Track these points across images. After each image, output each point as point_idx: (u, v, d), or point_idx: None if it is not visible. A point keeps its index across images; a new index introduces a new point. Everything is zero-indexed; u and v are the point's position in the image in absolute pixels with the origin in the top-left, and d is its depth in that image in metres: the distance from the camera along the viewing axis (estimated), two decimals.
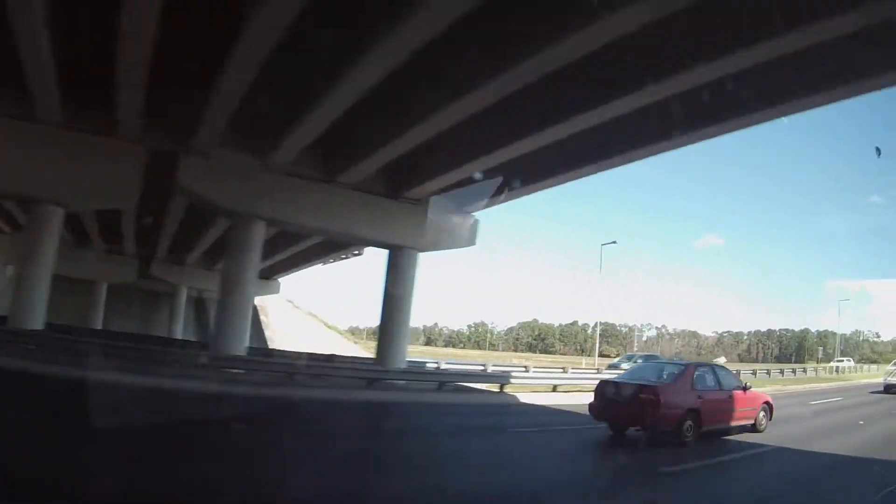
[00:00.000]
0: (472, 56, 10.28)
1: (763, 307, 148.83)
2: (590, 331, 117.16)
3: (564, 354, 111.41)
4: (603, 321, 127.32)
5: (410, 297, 19.37)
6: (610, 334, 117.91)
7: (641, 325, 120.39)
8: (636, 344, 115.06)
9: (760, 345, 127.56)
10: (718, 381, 10.39)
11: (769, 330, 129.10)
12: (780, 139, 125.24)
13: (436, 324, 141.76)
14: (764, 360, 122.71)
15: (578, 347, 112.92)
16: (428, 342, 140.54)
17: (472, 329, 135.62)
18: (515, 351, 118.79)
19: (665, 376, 10.31)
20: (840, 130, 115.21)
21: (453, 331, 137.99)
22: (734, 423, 10.40)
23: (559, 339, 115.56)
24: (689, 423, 9.17)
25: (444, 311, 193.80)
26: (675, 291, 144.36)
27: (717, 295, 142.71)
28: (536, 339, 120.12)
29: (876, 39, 8.13)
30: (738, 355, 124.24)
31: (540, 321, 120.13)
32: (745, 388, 10.81)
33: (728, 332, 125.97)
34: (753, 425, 10.74)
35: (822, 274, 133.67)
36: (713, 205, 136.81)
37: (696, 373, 10.23)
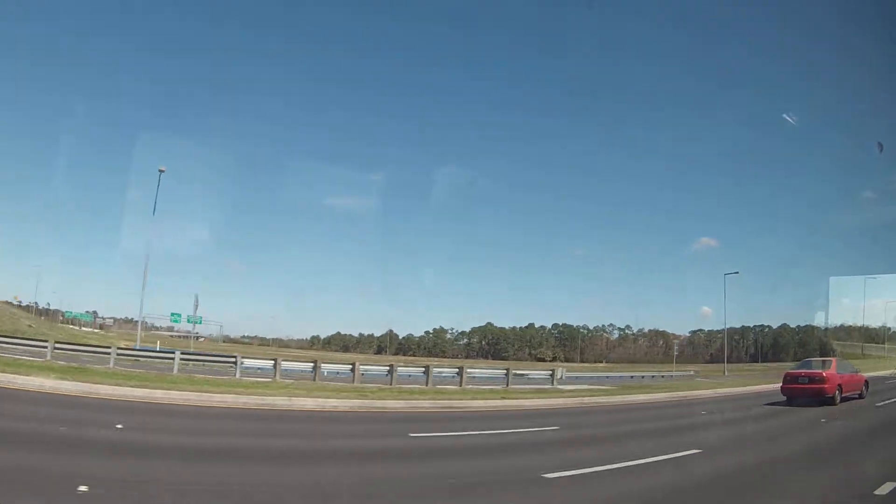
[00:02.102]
0: None
1: (741, 304, 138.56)
2: (543, 333, 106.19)
3: (542, 360, 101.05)
4: (562, 322, 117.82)
5: None
6: (567, 336, 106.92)
7: (604, 326, 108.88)
8: (605, 345, 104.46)
9: (734, 343, 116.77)
10: (846, 369, 18.77)
11: (743, 327, 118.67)
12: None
13: (390, 330, 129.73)
14: (737, 360, 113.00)
15: (530, 352, 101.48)
16: (379, 350, 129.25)
17: (431, 335, 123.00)
18: (467, 357, 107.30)
19: (823, 366, 18.12)
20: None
21: (413, 337, 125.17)
22: (853, 392, 18.21)
23: (510, 344, 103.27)
24: (836, 392, 17.00)
25: (403, 318, 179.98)
26: (644, 291, 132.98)
27: (687, 293, 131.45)
28: (489, 344, 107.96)
29: None
30: (711, 355, 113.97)
31: (495, 325, 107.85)
32: (857, 372, 19.29)
33: (700, 330, 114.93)
34: (860, 394, 18.68)
35: (822, 270, 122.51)
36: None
37: (838, 364, 18.47)
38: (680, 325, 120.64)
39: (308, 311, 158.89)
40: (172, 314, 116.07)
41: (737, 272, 44.50)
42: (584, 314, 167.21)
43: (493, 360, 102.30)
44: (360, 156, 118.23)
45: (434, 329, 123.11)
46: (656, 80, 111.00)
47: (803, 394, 17.29)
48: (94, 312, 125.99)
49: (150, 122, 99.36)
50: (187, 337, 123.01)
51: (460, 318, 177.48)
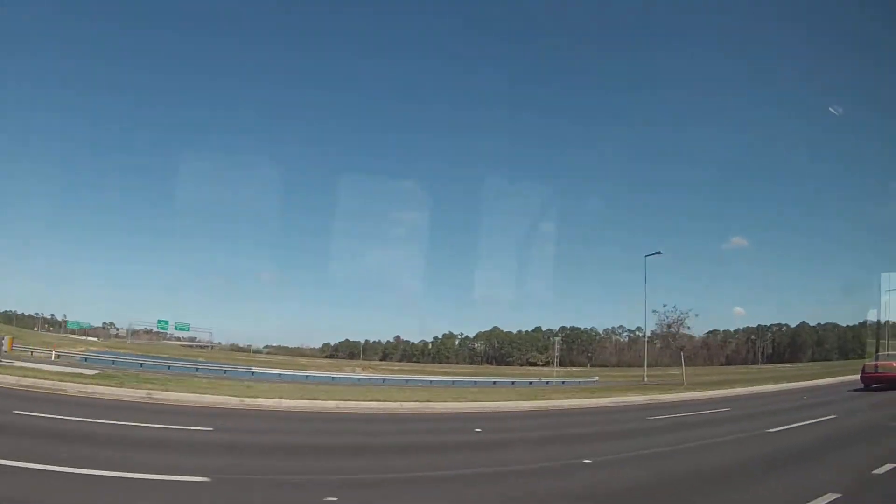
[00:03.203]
0: None
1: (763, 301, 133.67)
2: (550, 337, 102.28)
3: (524, 365, 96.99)
4: (570, 325, 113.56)
5: None
6: (574, 340, 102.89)
7: (614, 328, 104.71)
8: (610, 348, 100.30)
9: (750, 344, 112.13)
10: None
11: (760, 326, 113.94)
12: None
13: (398, 337, 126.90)
14: (752, 362, 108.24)
15: (537, 356, 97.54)
16: (384, 357, 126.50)
17: (438, 341, 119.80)
18: (471, 363, 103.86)
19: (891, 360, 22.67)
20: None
21: (416, 344, 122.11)
22: None
23: (517, 349, 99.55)
24: None
25: (404, 325, 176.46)
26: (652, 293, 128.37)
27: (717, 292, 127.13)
28: (495, 349, 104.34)
29: None
30: (727, 357, 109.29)
31: (502, 329, 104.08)
32: None
33: (715, 330, 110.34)
34: None
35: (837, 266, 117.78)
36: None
37: None
38: (709, 325, 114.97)
39: (319, 319, 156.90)
40: (159, 321, 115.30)
41: (658, 252, 40.74)
42: (597, 317, 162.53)
43: (499, 364, 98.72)
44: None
45: (444, 335, 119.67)
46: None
47: (879, 381, 22.13)
48: (111, 323, 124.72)
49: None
50: (203, 346, 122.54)
51: (471, 323, 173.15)
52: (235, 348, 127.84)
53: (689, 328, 29.40)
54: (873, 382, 22.30)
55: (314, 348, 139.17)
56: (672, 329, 29.33)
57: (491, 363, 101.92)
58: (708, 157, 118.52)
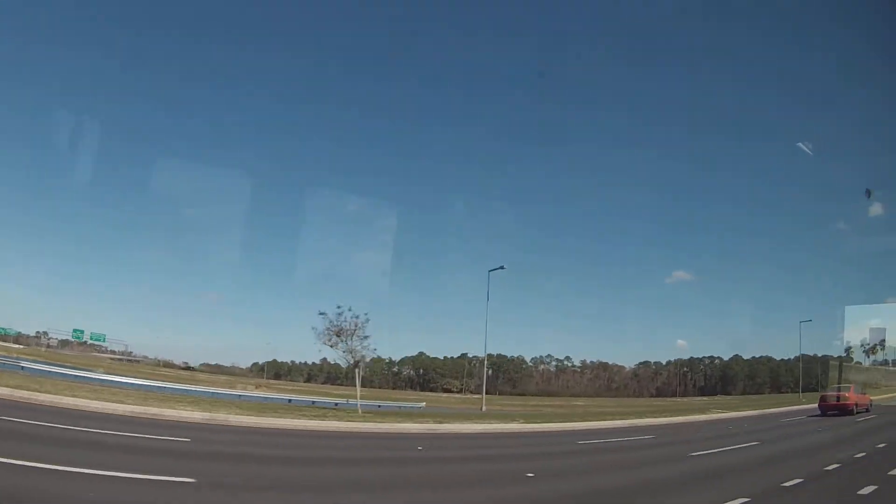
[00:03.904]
0: None
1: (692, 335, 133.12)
2: (475, 364, 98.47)
3: (449, 391, 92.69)
4: (497, 353, 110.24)
5: None
6: (500, 367, 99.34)
7: (542, 357, 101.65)
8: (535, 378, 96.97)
9: (681, 376, 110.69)
10: (859, 391, 27.18)
11: (692, 359, 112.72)
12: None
13: (324, 359, 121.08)
14: (682, 394, 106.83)
15: (452, 382, 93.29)
16: (309, 379, 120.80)
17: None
18: (394, 388, 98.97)
19: (846, 387, 27.11)
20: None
21: (339, 366, 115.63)
22: (864, 408, 26.17)
23: (440, 375, 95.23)
24: (855, 407, 24.82)
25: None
26: (588, 323, 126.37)
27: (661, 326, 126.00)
28: (419, 374, 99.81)
29: None
30: (657, 388, 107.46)
31: (428, 354, 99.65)
32: (865, 394, 28.02)
33: (645, 362, 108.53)
34: (867, 409, 26.60)
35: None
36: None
37: (855, 388, 26.93)
38: (647, 356, 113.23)
39: (257, 339, 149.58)
40: (75, 331, 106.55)
41: (502, 267, 37.22)
42: (531, 345, 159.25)
43: (422, 390, 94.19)
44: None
45: (371, 359, 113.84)
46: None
47: (830, 408, 25.80)
48: (45, 332, 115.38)
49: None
50: (132, 361, 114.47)
51: (399, 348, 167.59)
52: (167, 364, 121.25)
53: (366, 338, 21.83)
54: (830, 410, 26.12)
55: (243, 367, 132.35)
56: (343, 338, 19.71)
57: (415, 388, 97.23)
58: (657, 186, 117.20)
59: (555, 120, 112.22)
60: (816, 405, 26.95)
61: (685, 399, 79.36)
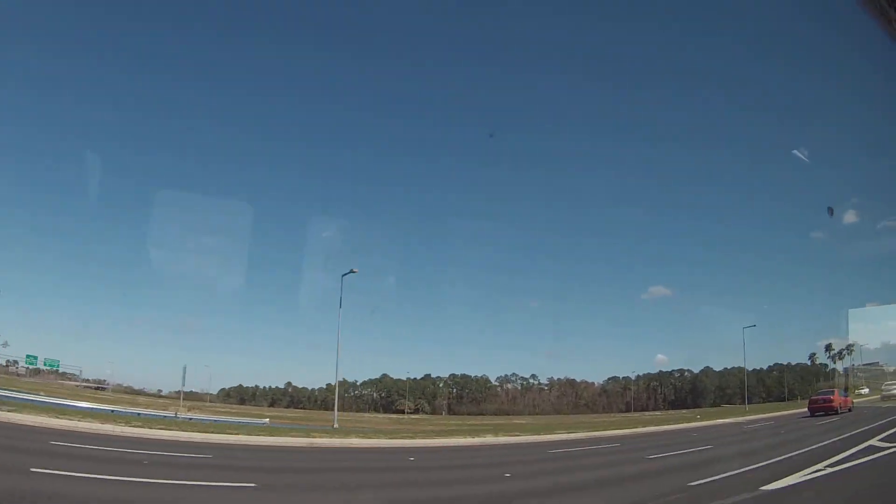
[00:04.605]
0: None
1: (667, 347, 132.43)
2: (441, 384, 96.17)
3: (401, 411, 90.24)
4: (461, 373, 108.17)
5: None
6: (464, 387, 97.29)
7: (507, 375, 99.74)
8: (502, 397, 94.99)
9: (650, 391, 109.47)
10: (842, 393, 32.64)
11: (661, 373, 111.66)
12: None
13: (289, 383, 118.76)
14: (653, 409, 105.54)
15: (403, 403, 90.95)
16: (272, 403, 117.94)
17: (325, 388, 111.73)
18: (357, 411, 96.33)
19: (830, 391, 33.05)
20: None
21: (301, 389, 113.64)
22: (846, 409, 29.82)
23: (402, 396, 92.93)
24: (839, 408, 29.15)
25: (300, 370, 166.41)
26: (560, 341, 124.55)
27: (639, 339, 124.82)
28: (382, 396, 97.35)
29: None
30: (626, 403, 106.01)
31: (391, 376, 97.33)
32: (847, 396, 32.95)
33: (614, 377, 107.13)
34: (850, 409, 30.13)
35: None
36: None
37: (839, 391, 32.77)
38: (626, 372, 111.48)
39: (228, 365, 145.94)
40: (28, 356, 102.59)
41: (353, 271, 36.62)
42: (501, 364, 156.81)
43: (385, 411, 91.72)
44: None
45: (337, 382, 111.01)
46: None
47: (818, 409, 29.71)
48: (14, 361, 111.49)
49: None
50: (101, 387, 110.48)
51: (364, 370, 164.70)
52: (129, 390, 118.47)
53: None
54: (817, 411, 29.70)
55: (212, 393, 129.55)
56: None
57: (378, 410, 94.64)
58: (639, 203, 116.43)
59: (528, 141, 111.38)
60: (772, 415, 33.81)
61: (646, 414, 77.95)
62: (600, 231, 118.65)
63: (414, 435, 24.39)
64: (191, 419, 32.71)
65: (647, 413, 78.72)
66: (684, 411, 75.33)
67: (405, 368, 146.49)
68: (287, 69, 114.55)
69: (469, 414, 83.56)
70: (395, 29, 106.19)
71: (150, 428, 17.90)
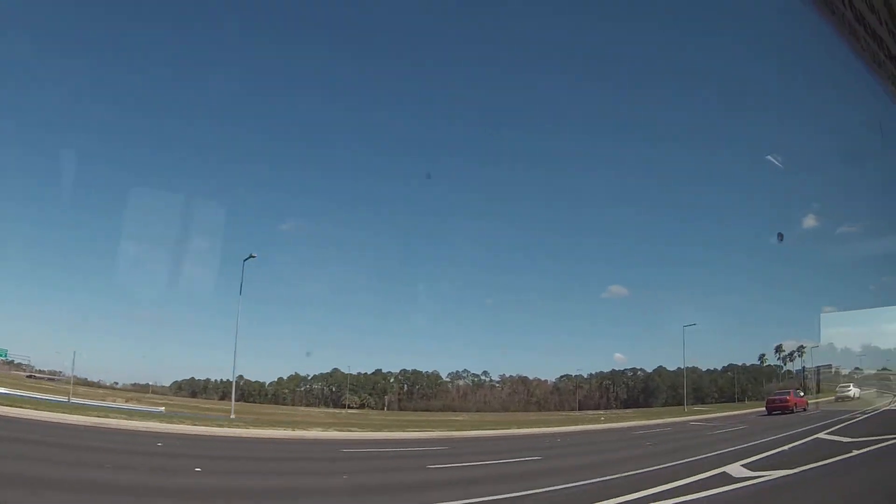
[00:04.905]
0: None
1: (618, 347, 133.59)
2: (392, 380, 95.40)
3: (349, 407, 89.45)
4: (410, 368, 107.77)
5: None
6: (415, 383, 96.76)
7: (458, 372, 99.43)
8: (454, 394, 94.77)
9: (603, 389, 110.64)
10: (798, 394, 35.71)
11: (613, 371, 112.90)
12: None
13: (240, 376, 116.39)
14: (605, 407, 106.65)
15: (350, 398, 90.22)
16: (223, 397, 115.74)
17: (275, 382, 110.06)
18: (307, 405, 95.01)
19: (786, 392, 36.20)
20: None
21: (253, 383, 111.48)
22: (802, 408, 32.00)
23: (353, 391, 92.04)
24: (795, 407, 31.32)
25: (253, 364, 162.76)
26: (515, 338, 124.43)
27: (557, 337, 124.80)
28: (333, 391, 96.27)
29: None
30: (579, 402, 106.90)
31: (342, 371, 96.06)
32: (804, 396, 35.96)
33: (566, 375, 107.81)
34: (805, 409, 32.20)
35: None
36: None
37: (794, 391, 36.86)
38: (584, 370, 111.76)
39: (166, 355, 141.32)
40: None
41: (252, 256, 37.41)
42: (455, 360, 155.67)
43: (335, 406, 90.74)
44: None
45: (289, 376, 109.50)
46: None
47: (775, 408, 31.74)
48: None
49: None
50: (52, 379, 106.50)
51: (320, 364, 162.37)
52: (84, 382, 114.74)
53: None
54: (774, 409, 31.53)
55: (164, 385, 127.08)
56: None
57: (329, 405, 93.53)
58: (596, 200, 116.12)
59: (500, 137, 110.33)
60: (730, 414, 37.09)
61: (586, 412, 78.55)
62: (564, 229, 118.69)
63: (308, 427, 24.41)
64: (84, 404, 32.29)
65: (562, 413, 79.49)
66: (629, 410, 76.65)
67: (362, 362, 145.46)
68: (282, 66, 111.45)
69: (416, 410, 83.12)
70: (392, 28, 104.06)
71: (36, 409, 19.17)
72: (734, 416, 35.96)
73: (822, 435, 16.21)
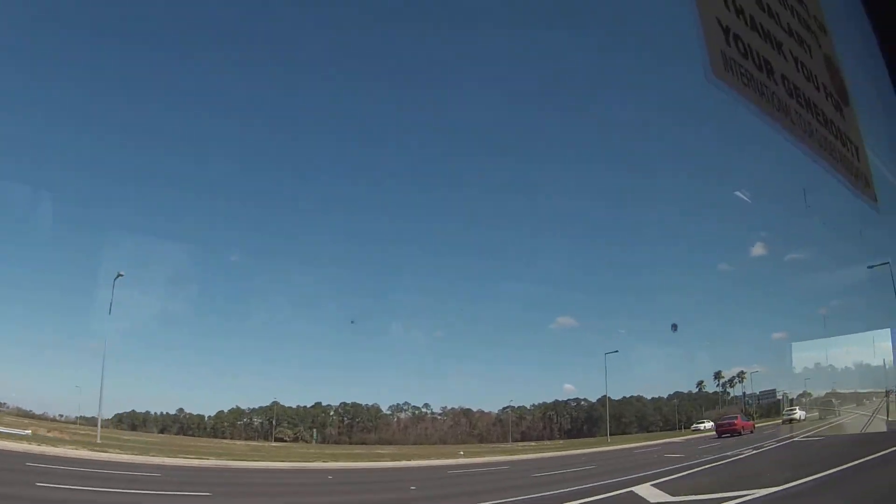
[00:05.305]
0: None
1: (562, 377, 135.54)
2: (332, 413, 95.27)
3: (282, 440, 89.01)
4: (352, 401, 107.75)
5: None
6: (356, 416, 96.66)
7: (399, 404, 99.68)
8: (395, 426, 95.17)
9: (546, 420, 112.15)
10: (746, 417, 42.99)
11: (556, 402, 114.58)
12: None
13: (181, 409, 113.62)
14: (551, 437, 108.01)
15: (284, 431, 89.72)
16: (163, 430, 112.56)
17: (214, 416, 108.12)
18: (247, 439, 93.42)
19: (734, 416, 39.33)
20: None
21: (193, 416, 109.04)
22: (748, 431, 34.51)
23: (293, 424, 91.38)
24: (741, 431, 33.84)
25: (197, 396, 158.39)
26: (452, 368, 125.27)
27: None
28: (272, 424, 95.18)
29: None
30: (522, 433, 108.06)
31: (281, 404, 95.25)
32: (751, 421, 41.07)
33: (510, 406, 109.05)
34: (752, 431, 35.06)
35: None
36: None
37: (741, 416, 40.40)
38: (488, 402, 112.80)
39: (109, 388, 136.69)
40: None
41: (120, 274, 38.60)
42: (395, 392, 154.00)
43: (266, 440, 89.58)
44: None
45: (230, 409, 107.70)
46: None
47: (724, 431, 34.16)
48: None
49: None
50: None
51: (262, 397, 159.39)
52: (27, 414, 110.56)
53: None
54: (724, 433, 33.74)
55: (106, 418, 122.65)
56: None
57: (268, 438, 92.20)
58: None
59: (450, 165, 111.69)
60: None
61: (525, 444, 79.82)
62: (514, 257, 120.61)
63: (188, 456, 25.16)
64: None
65: (489, 445, 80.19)
66: (557, 441, 77.26)
67: (302, 395, 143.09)
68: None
69: (352, 443, 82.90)
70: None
71: None
72: (656, 444, 37.86)
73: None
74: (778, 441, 24.16)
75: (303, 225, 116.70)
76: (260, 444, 74.26)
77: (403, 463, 30.35)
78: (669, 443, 38.30)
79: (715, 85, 2.12)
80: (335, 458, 31.74)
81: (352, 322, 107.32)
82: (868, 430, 22.41)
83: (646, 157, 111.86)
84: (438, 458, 33.23)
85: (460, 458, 33.14)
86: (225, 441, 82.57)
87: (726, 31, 2.25)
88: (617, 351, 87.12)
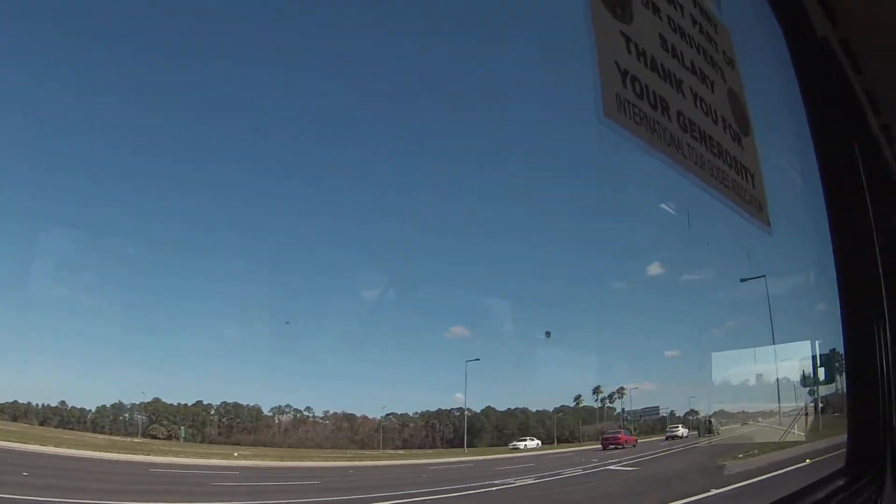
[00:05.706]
0: None
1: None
2: (212, 412, 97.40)
3: (156, 437, 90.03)
4: (231, 401, 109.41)
5: None
6: (236, 416, 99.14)
7: (281, 406, 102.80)
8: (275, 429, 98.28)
9: (430, 427, 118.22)
10: (628, 432, 40.38)
11: (440, 410, 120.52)
12: None
13: (63, 402, 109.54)
14: (432, 446, 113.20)
15: (158, 429, 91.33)
16: (43, 422, 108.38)
17: (98, 411, 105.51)
18: (126, 435, 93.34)
19: (618, 431, 38.84)
20: None
21: (72, 410, 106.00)
22: (631, 444, 35.85)
23: (172, 421, 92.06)
24: (624, 443, 35.18)
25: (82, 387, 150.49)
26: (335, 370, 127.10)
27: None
28: (152, 422, 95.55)
29: None
30: (404, 440, 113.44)
31: (163, 401, 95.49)
32: (632, 435, 40.01)
33: (393, 413, 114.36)
34: (634, 445, 35.91)
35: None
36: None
37: (623, 431, 39.74)
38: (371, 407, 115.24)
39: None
40: None
41: None
42: (278, 393, 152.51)
43: (144, 436, 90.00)
44: None
45: (112, 404, 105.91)
46: None
47: (609, 444, 34.52)
48: None
49: None
50: None
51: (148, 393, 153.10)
52: None
53: None
54: (609, 445, 35.48)
55: None
56: None
57: (146, 436, 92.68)
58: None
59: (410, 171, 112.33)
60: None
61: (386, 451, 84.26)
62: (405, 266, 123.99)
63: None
64: None
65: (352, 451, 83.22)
66: (426, 450, 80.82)
67: (185, 393, 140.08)
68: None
69: (227, 444, 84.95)
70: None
71: None
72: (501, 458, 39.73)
73: None
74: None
75: (200, 218, 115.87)
76: (122, 438, 74.40)
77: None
78: (524, 456, 40.79)
79: (605, 125, 2.24)
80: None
81: (286, 323, 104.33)
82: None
83: (546, 162, 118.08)
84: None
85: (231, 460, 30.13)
86: (101, 436, 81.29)
87: (624, 73, 2.34)
88: (479, 359, 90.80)
